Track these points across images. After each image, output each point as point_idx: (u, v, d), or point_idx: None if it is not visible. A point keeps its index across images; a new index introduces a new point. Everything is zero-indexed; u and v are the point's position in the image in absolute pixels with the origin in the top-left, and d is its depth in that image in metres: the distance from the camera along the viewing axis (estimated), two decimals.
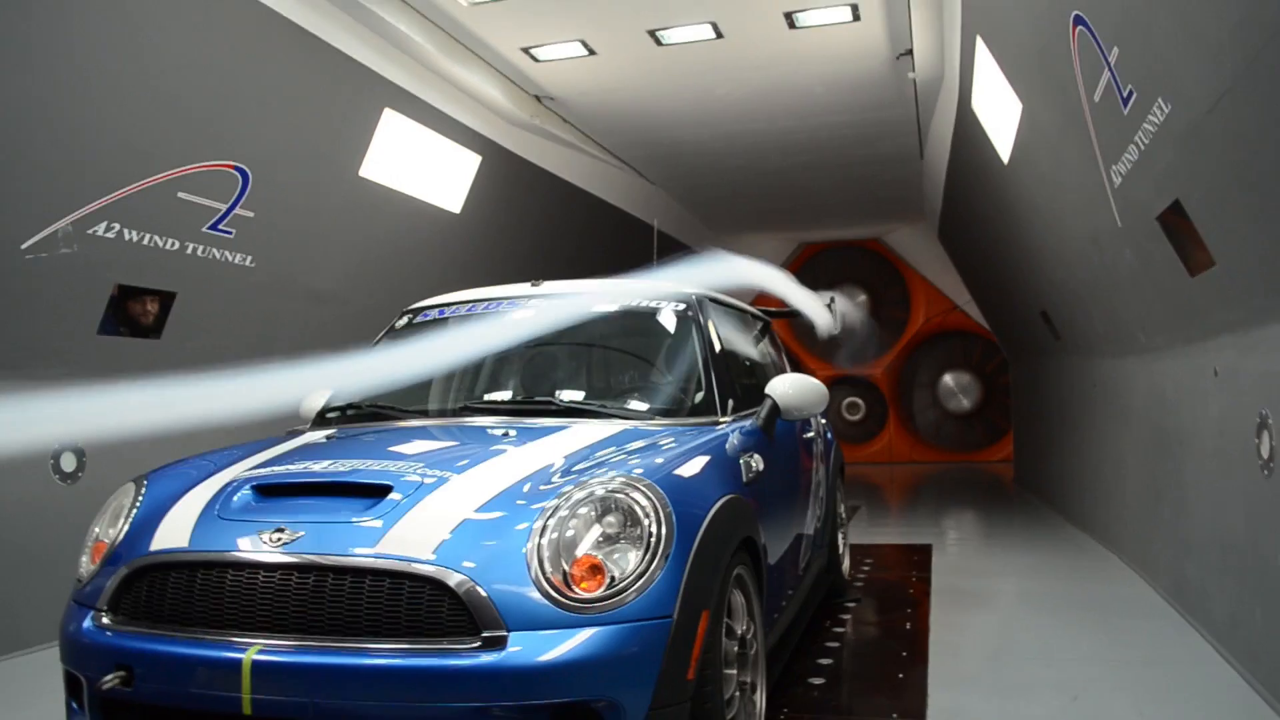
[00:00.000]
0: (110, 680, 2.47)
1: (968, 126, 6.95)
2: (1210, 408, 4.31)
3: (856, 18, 6.19)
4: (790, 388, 3.65)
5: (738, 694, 2.77)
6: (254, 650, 2.35)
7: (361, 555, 2.40)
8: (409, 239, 7.14)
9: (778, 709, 3.49)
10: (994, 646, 4.40)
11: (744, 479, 3.10)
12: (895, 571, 6.14)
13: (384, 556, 2.38)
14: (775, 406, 3.62)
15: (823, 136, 8.82)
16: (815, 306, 6.68)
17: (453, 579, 2.32)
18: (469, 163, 7.27)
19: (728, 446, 3.15)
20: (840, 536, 5.31)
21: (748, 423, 3.50)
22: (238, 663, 2.34)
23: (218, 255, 5.48)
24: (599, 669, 2.29)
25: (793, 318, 5.97)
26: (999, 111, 5.95)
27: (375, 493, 2.60)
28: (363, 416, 3.65)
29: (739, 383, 3.75)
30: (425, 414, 3.67)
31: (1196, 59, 3.12)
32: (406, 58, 6.22)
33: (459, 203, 7.37)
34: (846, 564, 5.50)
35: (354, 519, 2.51)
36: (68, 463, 4.98)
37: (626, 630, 2.34)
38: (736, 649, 2.81)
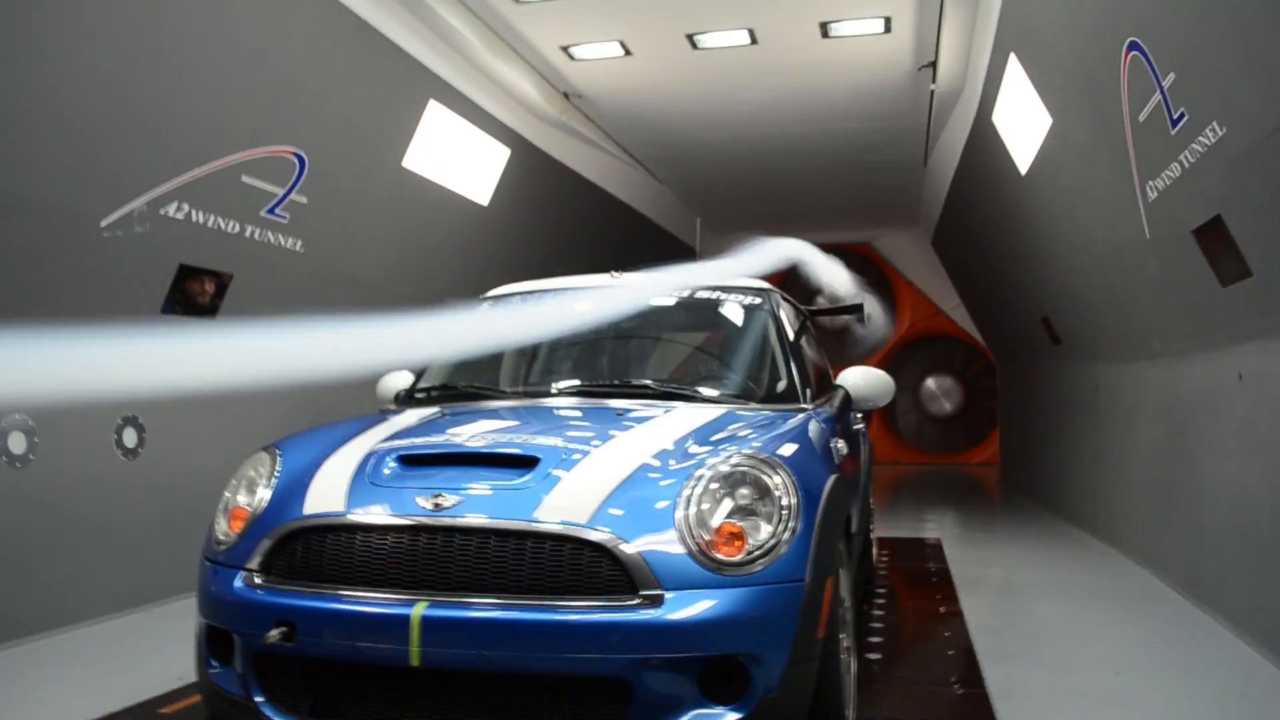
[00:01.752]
0: (274, 635, 2.62)
1: (984, 138, 7.24)
2: (1234, 409, 4.61)
3: (888, 29, 6.46)
4: (862, 379, 3.89)
5: (844, 655, 3.00)
6: (422, 605, 2.52)
7: (522, 520, 2.58)
8: (441, 230, 7.29)
9: None
10: (1028, 628, 4.67)
11: (836, 461, 3.33)
12: (914, 562, 6.41)
13: (545, 520, 2.57)
14: (848, 396, 3.86)
15: (833, 143, 9.11)
16: (839, 276, 6.88)
17: (614, 543, 2.52)
18: (499, 155, 7.44)
19: (820, 430, 3.37)
20: (872, 527, 5.57)
21: (824, 410, 3.72)
22: (406, 618, 2.50)
23: (272, 239, 5.61)
24: (745, 626, 2.50)
25: (838, 314, 6.18)
26: (1023, 125, 6.23)
27: (522, 464, 2.78)
28: (455, 397, 3.82)
29: (809, 372, 3.98)
30: (520, 395, 3.82)
31: (1259, 86, 3.40)
32: (451, 50, 6.38)
33: (488, 195, 7.53)
34: (875, 552, 5.76)
35: (509, 487, 2.69)
36: (130, 438, 5.09)
37: (767, 591, 2.55)
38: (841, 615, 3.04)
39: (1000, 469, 11.95)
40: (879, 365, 14.24)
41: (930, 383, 14.63)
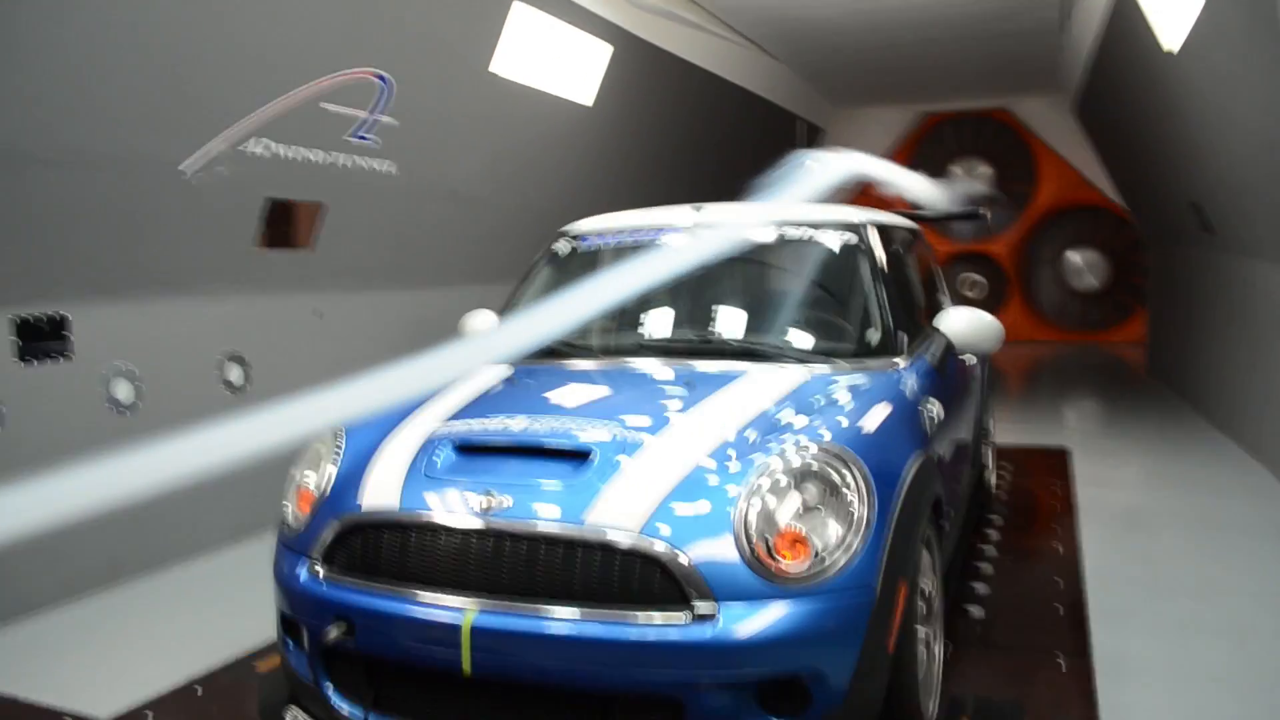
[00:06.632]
0: (334, 633, 2.63)
1: (1126, 13, 6.48)
2: None
3: None
4: (965, 325, 3.57)
5: (923, 649, 2.82)
6: (472, 613, 2.46)
7: (572, 526, 2.47)
8: (542, 135, 7.07)
9: None
10: (1150, 577, 4.31)
11: (927, 432, 3.08)
12: (1035, 481, 6.06)
13: (595, 527, 2.44)
14: (949, 345, 3.56)
15: (958, 12, 8.36)
16: (918, 185, 6.33)
17: (663, 553, 2.38)
18: (601, 53, 7.10)
19: (909, 395, 3.12)
20: (987, 450, 5.27)
21: (922, 361, 3.44)
22: (457, 626, 2.46)
23: (364, 165, 5.52)
24: (806, 642, 2.35)
25: (943, 222, 5.70)
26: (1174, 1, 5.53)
27: (576, 456, 2.65)
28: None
29: (909, 313, 3.68)
30: (595, 353, 3.65)
31: None
32: None
33: (591, 96, 7.24)
34: (992, 478, 5.47)
35: (559, 485, 2.57)
36: (234, 375, 5.18)
37: (831, 603, 2.38)
38: (924, 609, 2.84)
39: (1147, 352, 11.21)
40: (1017, 237, 13.58)
41: (1074, 256, 13.76)
